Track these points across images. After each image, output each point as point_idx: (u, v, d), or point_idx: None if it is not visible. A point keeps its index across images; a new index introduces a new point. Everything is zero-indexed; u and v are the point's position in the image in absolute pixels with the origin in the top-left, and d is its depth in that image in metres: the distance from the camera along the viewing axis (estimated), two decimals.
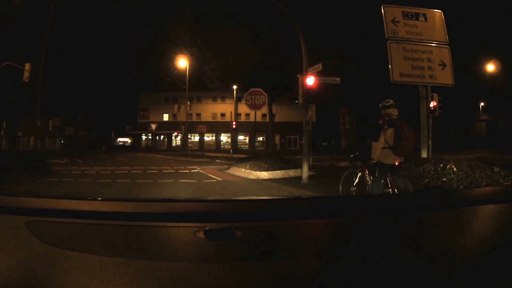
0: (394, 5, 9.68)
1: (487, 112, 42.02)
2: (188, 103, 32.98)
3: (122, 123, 54.88)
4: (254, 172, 11.43)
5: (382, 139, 5.25)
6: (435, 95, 10.38)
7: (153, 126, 37.64)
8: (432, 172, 7.40)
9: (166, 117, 47.59)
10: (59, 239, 0.96)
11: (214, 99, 47.27)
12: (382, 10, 9.46)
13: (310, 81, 10.04)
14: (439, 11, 9.79)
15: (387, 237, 0.99)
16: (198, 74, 26.65)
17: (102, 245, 0.94)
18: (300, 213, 1.10)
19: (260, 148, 42.09)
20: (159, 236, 1.00)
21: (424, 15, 9.60)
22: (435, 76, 9.43)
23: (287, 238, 0.98)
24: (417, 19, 9.55)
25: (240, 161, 14.26)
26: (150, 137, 48.87)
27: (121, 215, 1.06)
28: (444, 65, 9.43)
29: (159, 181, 10.17)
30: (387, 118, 5.29)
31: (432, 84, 9.78)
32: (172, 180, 10.34)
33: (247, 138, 46.06)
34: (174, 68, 27.93)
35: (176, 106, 38.06)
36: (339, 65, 19.50)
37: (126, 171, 13.47)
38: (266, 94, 13.79)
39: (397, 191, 5.01)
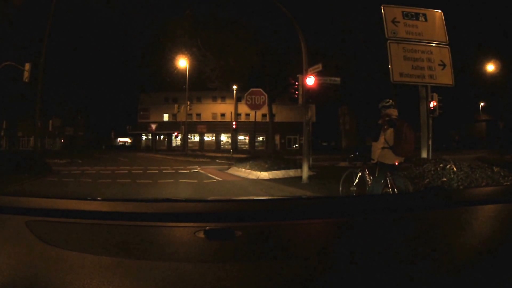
0: (394, 5, 9.68)
1: (487, 112, 42.04)
2: (188, 103, 32.97)
3: (122, 123, 54.82)
4: (254, 172, 11.43)
5: (382, 139, 5.24)
6: (435, 95, 10.38)
7: (153, 126, 37.64)
8: (432, 172, 7.40)
9: (166, 117, 47.58)
10: (59, 239, 0.96)
11: (214, 99, 47.26)
12: (382, 10, 9.46)
13: (310, 81, 10.04)
14: (439, 11, 9.79)
15: (387, 237, 0.98)
16: (198, 74, 26.65)
17: (102, 245, 0.94)
18: (300, 213, 1.10)
19: (260, 148, 42.08)
20: (159, 236, 1.00)
21: (424, 15, 9.60)
22: (435, 76, 9.43)
23: (287, 238, 0.98)
24: (417, 19, 9.55)
25: (240, 161, 14.26)
26: (150, 137, 48.86)
27: (121, 215, 1.07)
28: (444, 65, 9.43)
29: (159, 181, 10.17)
30: (387, 118, 5.29)
31: (432, 84, 9.78)
32: (172, 180, 10.33)
33: (247, 138, 46.06)
34: (174, 68, 27.94)
35: (176, 106, 38.05)
36: (339, 65, 19.50)
37: (126, 171, 13.46)
38: (266, 94, 13.79)
39: (397, 191, 5.01)
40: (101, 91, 51.19)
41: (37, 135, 17.78)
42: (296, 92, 10.39)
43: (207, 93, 43.15)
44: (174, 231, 1.01)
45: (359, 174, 5.78)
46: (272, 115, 27.96)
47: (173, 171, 13.75)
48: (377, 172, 5.33)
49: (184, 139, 35.06)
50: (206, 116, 47.25)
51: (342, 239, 0.99)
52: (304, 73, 10.18)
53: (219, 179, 11.03)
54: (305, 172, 9.82)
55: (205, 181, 10.52)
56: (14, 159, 12.67)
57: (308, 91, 10.18)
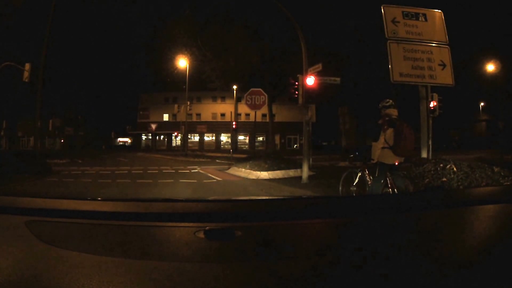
0: (394, 5, 9.68)
1: (487, 112, 42.05)
2: (188, 103, 32.97)
3: (122, 123, 54.88)
4: (254, 172, 11.43)
5: (382, 139, 5.25)
6: (435, 95, 10.38)
7: (153, 126, 37.64)
8: (432, 172, 7.40)
9: (166, 117, 47.61)
10: (59, 239, 0.96)
11: (214, 99, 47.29)
12: (382, 10, 9.46)
13: (310, 81, 10.04)
14: (439, 11, 9.79)
15: (387, 237, 0.98)
16: (198, 74, 26.67)
17: (102, 245, 0.94)
18: (300, 213, 1.10)
19: (260, 148, 42.09)
20: (159, 236, 1.00)
21: (424, 15, 9.60)
22: (435, 76, 9.43)
23: (287, 238, 0.98)
24: (417, 19, 9.55)
25: (240, 161, 14.26)
26: (150, 137, 48.89)
27: (121, 215, 1.07)
28: (444, 65, 9.43)
29: (159, 181, 10.17)
30: (387, 118, 5.28)
31: (432, 84, 9.78)
32: (172, 180, 10.33)
33: (247, 138, 46.09)
34: (174, 68, 27.94)
35: (176, 106, 38.06)
36: (339, 65, 19.50)
37: (126, 171, 13.46)
38: (266, 94, 13.78)
39: (397, 191, 5.01)
40: (101, 91, 51.25)
41: (37, 135, 17.80)
42: (296, 92, 10.40)
43: (207, 93, 43.19)
44: (174, 231, 1.01)
45: (359, 174, 5.77)
46: (272, 115, 27.95)
47: (173, 171, 13.75)
48: (377, 172, 5.33)
49: (184, 139, 35.05)
50: (206, 116, 47.27)
51: (342, 239, 0.99)
52: (304, 73, 10.18)
53: (219, 179, 11.03)
54: (305, 172, 9.82)
55: (205, 181, 10.52)
56: (14, 159, 12.67)
57: (308, 91, 10.18)
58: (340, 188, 6.06)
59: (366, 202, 1.28)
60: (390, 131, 5.15)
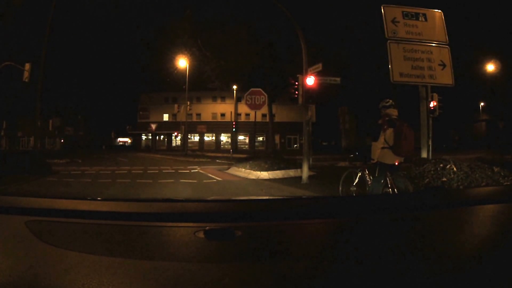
0: (394, 5, 9.69)
1: (487, 112, 42.06)
2: (188, 103, 32.97)
3: (122, 123, 54.91)
4: (254, 172, 11.43)
5: (382, 139, 5.25)
6: (435, 95, 10.38)
7: (153, 126, 37.64)
8: (432, 172, 7.40)
9: (166, 117, 47.59)
10: (59, 239, 0.96)
11: (214, 99, 47.26)
12: (382, 10, 9.46)
13: (310, 81, 10.04)
14: (439, 11, 9.80)
15: (387, 237, 0.98)
16: (198, 74, 26.62)
17: (102, 245, 0.94)
18: (300, 213, 1.10)
19: (260, 148, 42.08)
20: (159, 236, 1.00)
21: (424, 15, 9.61)
22: (435, 76, 9.44)
23: (287, 238, 0.98)
24: (417, 19, 9.55)
25: (240, 161, 14.26)
26: (150, 137, 48.87)
27: (121, 215, 1.07)
28: (444, 65, 9.44)
29: (159, 181, 10.17)
30: (387, 118, 5.29)
31: (432, 84, 9.79)
32: (172, 180, 10.33)
33: (247, 138, 46.07)
34: (174, 68, 27.90)
35: (176, 106, 38.05)
36: (339, 65, 19.50)
37: (126, 171, 13.47)
38: (266, 94, 13.78)
39: (397, 191, 5.01)
40: (101, 91, 51.32)
41: (37, 135, 17.81)
42: (296, 92, 10.41)
43: (207, 93, 43.14)
44: (174, 231, 1.01)
45: (359, 174, 5.78)
46: (272, 115, 27.92)
47: (173, 171, 13.75)
48: (377, 172, 5.33)
49: (184, 139, 35.06)
50: (206, 116, 47.24)
51: (342, 239, 0.99)
52: (304, 73, 10.18)
53: (219, 179, 11.03)
54: (305, 172, 9.82)
55: (205, 181, 10.52)
56: (14, 159, 12.68)
57: (308, 91, 10.18)
58: (340, 188, 6.06)
59: (366, 202, 1.28)
60: (390, 131, 5.15)
